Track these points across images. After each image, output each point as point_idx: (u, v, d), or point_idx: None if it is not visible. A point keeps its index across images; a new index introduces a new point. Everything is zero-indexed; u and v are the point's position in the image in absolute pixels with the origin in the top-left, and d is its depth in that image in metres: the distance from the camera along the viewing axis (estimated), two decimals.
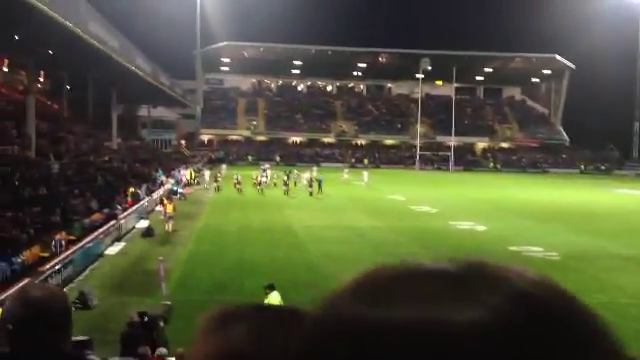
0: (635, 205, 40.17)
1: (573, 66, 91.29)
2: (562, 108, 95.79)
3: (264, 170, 47.33)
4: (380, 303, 0.48)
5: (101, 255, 20.44)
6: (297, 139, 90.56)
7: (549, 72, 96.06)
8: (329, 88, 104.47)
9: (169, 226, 24.81)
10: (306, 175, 44.18)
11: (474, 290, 0.48)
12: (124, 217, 25.51)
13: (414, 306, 0.47)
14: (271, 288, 12.43)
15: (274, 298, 12.10)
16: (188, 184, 44.77)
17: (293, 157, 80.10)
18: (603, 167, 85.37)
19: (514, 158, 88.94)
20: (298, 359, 0.49)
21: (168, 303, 13.65)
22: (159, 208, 29.55)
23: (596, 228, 27.79)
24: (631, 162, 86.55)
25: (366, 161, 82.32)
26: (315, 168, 50.18)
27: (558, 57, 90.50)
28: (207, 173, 47.43)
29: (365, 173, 51.93)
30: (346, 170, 56.88)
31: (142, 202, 30.88)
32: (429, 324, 0.45)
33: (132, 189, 31.13)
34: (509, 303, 0.47)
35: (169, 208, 25.44)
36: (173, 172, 46.89)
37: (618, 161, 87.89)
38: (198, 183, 47.32)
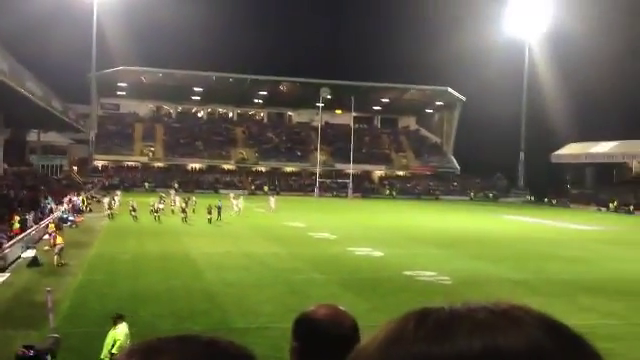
0: (522, 231, 42.43)
1: (464, 98, 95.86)
2: (454, 138, 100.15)
3: (161, 197, 46.32)
4: (441, 339, 0.56)
5: None
6: (197, 165, 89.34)
7: (442, 104, 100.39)
8: (230, 115, 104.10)
9: (58, 258, 22.97)
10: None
11: (515, 320, 0.58)
12: (9, 246, 24.10)
13: (473, 337, 0.55)
14: (121, 318, 12.00)
15: (121, 329, 11.72)
16: (80, 211, 43.02)
17: (192, 184, 78.87)
18: (491, 195, 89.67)
19: (409, 185, 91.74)
20: None
21: (56, 336, 12.95)
22: (47, 237, 28.18)
23: (486, 253, 29.08)
24: (517, 190, 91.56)
25: (266, 188, 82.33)
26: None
27: (450, 90, 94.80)
28: (105, 200, 45.71)
29: (272, 199, 51.93)
30: (233, 197, 51.35)
31: (29, 231, 29.33)
32: (488, 350, 0.54)
33: (18, 217, 29.52)
34: (540, 331, 0.57)
35: (59, 239, 23.87)
36: (72, 199, 44.89)
37: (505, 189, 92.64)
38: (90, 210, 45.56)
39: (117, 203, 44.09)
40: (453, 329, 0.57)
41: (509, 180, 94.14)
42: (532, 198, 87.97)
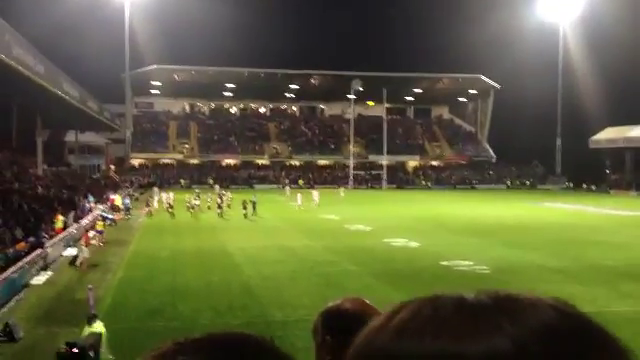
0: (560, 218, 41.77)
1: (498, 85, 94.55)
2: (488, 126, 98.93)
3: (198, 194, 46.81)
4: (406, 337, 0.53)
5: (26, 285, 19.66)
6: (231, 161, 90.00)
7: (475, 92, 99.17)
8: (262, 110, 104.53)
9: (83, 264, 22.45)
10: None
11: (496, 320, 0.53)
12: (50, 245, 24.65)
13: (439, 338, 0.52)
14: (95, 318, 12.26)
15: (97, 327, 11.95)
16: (118, 209, 43.71)
17: (227, 180, 79.52)
18: (528, 182, 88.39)
19: (444, 175, 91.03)
20: None
21: (98, 332, 13.25)
22: (92, 233, 28.70)
23: (523, 241, 28.72)
24: (554, 177, 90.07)
25: (301, 182, 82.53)
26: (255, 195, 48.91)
27: (483, 77, 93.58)
28: (157, 197, 46.20)
29: (315, 192, 51.79)
30: (290, 192, 55.06)
31: (70, 229, 29.95)
32: (449, 355, 0.50)
33: (61, 217, 30.14)
34: (529, 334, 0.52)
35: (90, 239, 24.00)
36: (110, 197, 45.66)
37: (542, 176, 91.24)
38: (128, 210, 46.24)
39: (155, 201, 44.67)
40: (418, 328, 0.55)
41: (546, 167, 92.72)
42: (570, 185, 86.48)
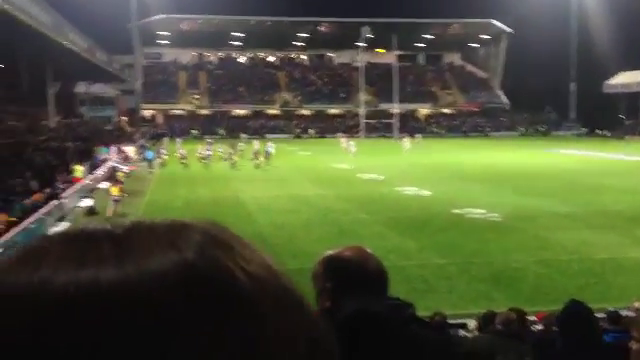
0: (574, 164, 41.57)
1: (510, 30, 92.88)
2: (501, 72, 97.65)
3: (209, 144, 46.83)
4: (37, 267, 0.47)
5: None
6: (241, 112, 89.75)
7: (487, 37, 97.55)
8: (271, 59, 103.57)
9: (113, 209, 23.09)
10: (256, 146, 43.15)
11: (131, 252, 0.48)
12: (66, 196, 24.91)
13: (69, 268, 0.46)
14: None
15: None
16: (131, 160, 43.94)
17: (238, 130, 79.46)
18: (542, 129, 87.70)
19: (456, 123, 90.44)
20: None
21: None
22: (104, 185, 28.86)
23: (536, 188, 28.65)
24: (568, 123, 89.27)
25: (312, 131, 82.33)
26: (256, 142, 48.17)
27: (494, 22, 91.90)
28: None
29: (352, 143, 51.31)
30: (344, 141, 54.96)
31: (84, 180, 30.20)
32: (79, 285, 0.45)
33: (79, 166, 30.38)
34: (169, 266, 0.47)
35: (114, 191, 23.86)
36: (122, 148, 45.72)
37: (556, 122, 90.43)
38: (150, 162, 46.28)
39: (165, 151, 44.77)
40: (51, 257, 0.47)
41: (560, 113, 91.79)
42: (584, 130, 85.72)
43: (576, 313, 4.56)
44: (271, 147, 43.61)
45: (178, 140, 56.00)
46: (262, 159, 40.87)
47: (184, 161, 40.99)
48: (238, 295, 0.47)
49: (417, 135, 65.73)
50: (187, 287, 0.46)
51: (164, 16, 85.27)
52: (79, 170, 29.85)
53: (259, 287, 0.48)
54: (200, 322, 0.45)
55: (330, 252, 2.17)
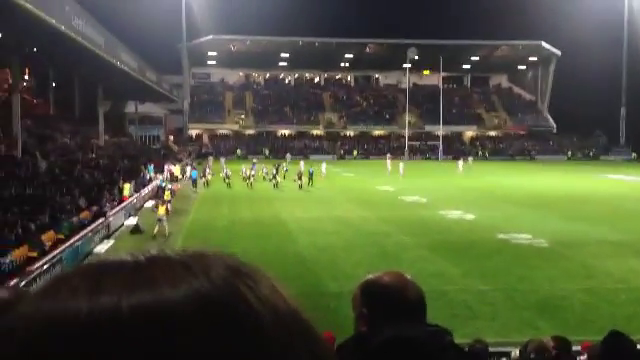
0: (622, 190, 40.47)
1: (559, 53, 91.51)
2: (549, 95, 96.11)
3: (253, 164, 47.25)
4: (56, 296, 0.49)
5: (90, 253, 20.37)
6: (286, 132, 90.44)
7: (535, 59, 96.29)
8: (316, 80, 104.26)
9: (156, 229, 23.24)
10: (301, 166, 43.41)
11: (151, 281, 0.50)
12: (113, 214, 25.41)
13: (90, 295, 0.48)
14: None
15: None
16: (177, 179, 44.62)
17: (282, 150, 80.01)
18: (590, 153, 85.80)
19: (502, 146, 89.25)
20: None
21: None
22: (149, 204, 29.35)
23: (584, 214, 27.97)
24: (618, 148, 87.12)
25: (355, 152, 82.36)
26: (302, 162, 48.65)
27: (544, 44, 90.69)
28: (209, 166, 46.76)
29: (401, 164, 51.86)
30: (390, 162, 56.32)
31: (131, 199, 30.78)
32: (100, 312, 0.47)
33: (127, 184, 31.04)
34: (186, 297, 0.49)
35: (160, 210, 23.99)
36: (169, 168, 46.44)
37: (605, 147, 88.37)
38: (188, 178, 47.08)
39: (209, 170, 45.28)
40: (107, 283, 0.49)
41: (609, 137, 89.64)
42: (635, 156, 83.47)
43: (616, 345, 4.42)
44: (324, 168, 44.36)
45: (222, 159, 56.70)
46: (305, 180, 40.99)
47: (228, 180, 41.44)
48: (256, 326, 0.49)
49: (469, 158, 64.96)
50: (205, 316, 0.47)
51: (213, 37, 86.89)
52: (127, 188, 30.51)
53: (278, 322, 0.50)
54: (217, 351, 0.47)
55: (370, 276, 2.16)
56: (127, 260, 0.53)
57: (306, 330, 0.53)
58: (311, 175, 41.75)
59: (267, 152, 78.16)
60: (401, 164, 52.14)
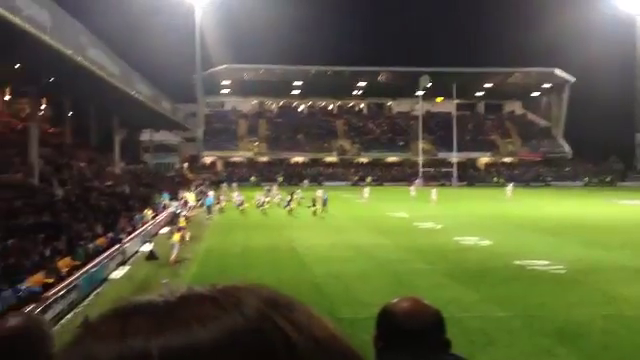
0: (638, 215, 40.03)
1: (573, 79, 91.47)
2: (563, 121, 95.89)
3: (268, 191, 47.34)
4: (83, 343, 0.49)
5: (106, 279, 20.39)
6: (299, 159, 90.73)
7: (549, 86, 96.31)
8: (330, 107, 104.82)
9: (172, 256, 23.19)
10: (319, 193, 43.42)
11: (183, 321, 0.49)
12: (128, 241, 25.49)
13: (118, 340, 0.48)
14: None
15: None
16: (191, 207, 44.72)
17: (296, 177, 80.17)
18: (607, 179, 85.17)
19: (517, 172, 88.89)
20: None
21: None
22: (164, 231, 29.43)
23: (602, 240, 27.66)
24: (634, 173, 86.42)
25: (369, 179, 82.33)
26: (320, 191, 48.83)
27: (557, 71, 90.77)
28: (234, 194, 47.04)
29: (433, 191, 52.21)
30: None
31: (146, 226, 30.90)
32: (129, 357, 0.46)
33: (150, 210, 31.33)
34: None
35: (176, 237, 24.13)
36: (184, 195, 46.63)
37: (621, 173, 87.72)
38: (202, 205, 47.23)
39: (223, 197, 45.43)
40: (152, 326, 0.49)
41: (625, 163, 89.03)
42: None
43: None
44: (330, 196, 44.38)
45: (234, 185, 56.88)
46: (319, 206, 40.95)
47: (242, 207, 41.49)
48: (293, 355, 0.48)
49: (510, 184, 63.88)
50: (237, 351, 0.47)
51: (227, 66, 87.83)
52: (148, 215, 30.80)
53: (318, 350, 0.50)
54: None
55: (387, 303, 2.13)
56: (156, 300, 0.52)
57: (348, 356, 0.53)
58: (325, 202, 41.70)
59: (281, 179, 78.32)
60: (433, 190, 51.95)
